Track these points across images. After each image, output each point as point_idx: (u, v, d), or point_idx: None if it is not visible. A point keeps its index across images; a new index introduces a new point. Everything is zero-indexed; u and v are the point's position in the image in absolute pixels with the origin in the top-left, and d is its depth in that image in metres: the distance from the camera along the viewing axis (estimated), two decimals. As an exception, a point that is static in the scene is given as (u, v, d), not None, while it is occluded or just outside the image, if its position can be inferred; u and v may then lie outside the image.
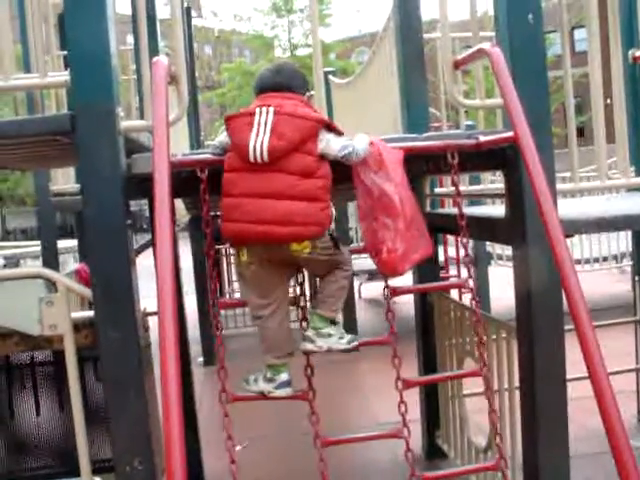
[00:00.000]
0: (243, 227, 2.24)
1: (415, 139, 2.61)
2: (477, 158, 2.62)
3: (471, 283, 2.39)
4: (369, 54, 5.67)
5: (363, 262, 8.22)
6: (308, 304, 2.54)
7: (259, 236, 2.23)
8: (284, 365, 2.40)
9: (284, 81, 2.43)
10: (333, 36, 34.42)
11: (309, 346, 2.39)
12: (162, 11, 4.96)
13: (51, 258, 6.43)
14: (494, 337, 3.13)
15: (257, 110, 2.31)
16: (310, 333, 2.36)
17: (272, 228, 2.20)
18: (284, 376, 2.39)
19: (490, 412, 2.39)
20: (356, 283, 9.02)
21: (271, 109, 2.29)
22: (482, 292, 7.71)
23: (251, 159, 2.23)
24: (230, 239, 2.34)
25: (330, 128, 2.34)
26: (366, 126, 5.53)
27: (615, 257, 9.80)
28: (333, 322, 2.43)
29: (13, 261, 10.21)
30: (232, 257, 9.96)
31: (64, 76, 2.35)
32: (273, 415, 4.34)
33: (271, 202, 2.21)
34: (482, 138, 2.49)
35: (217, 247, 9.90)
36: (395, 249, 2.22)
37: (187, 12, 7.48)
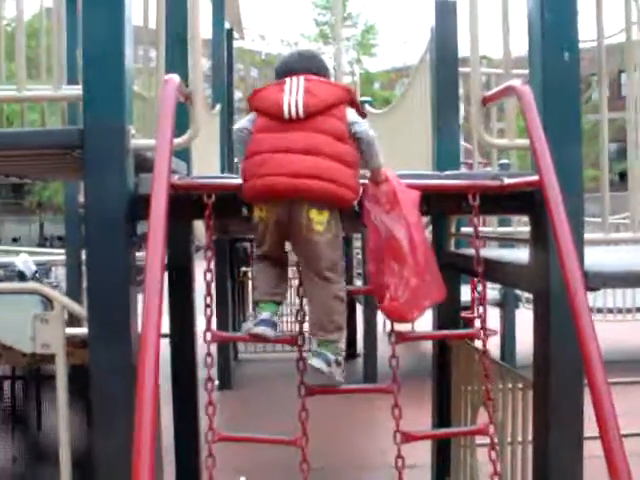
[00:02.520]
0: (271, 180, 2.13)
1: (437, 177, 2.50)
2: (502, 200, 2.49)
3: (482, 333, 2.25)
4: (405, 86, 5.61)
5: (388, 295, 8.09)
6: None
7: (289, 189, 2.12)
8: (268, 304, 2.24)
9: (310, 64, 2.42)
10: (379, 66, 34.66)
11: (316, 362, 2.17)
12: (204, 31, 4.96)
13: (74, 268, 6.47)
14: (510, 387, 2.98)
15: (287, 79, 2.30)
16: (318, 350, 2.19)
17: (304, 181, 2.11)
18: (265, 314, 2.22)
19: (492, 475, 2.23)
20: (381, 317, 8.85)
21: (301, 77, 2.30)
22: (508, 335, 7.51)
23: (286, 116, 2.20)
24: (254, 197, 2.20)
25: (353, 104, 2.32)
26: (399, 158, 5.44)
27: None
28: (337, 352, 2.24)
29: (45, 268, 10.30)
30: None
31: (77, 90, 2.30)
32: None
33: (307, 157, 2.15)
34: (507, 180, 2.36)
35: (244, 270, 9.86)
36: (397, 297, 2.09)
37: (229, 34, 7.53)
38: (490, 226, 4.47)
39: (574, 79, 2.45)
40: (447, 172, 2.53)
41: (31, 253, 11.37)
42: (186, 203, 2.33)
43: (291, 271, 2.38)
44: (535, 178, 2.14)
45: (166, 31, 3.06)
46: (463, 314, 6.22)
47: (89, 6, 2.24)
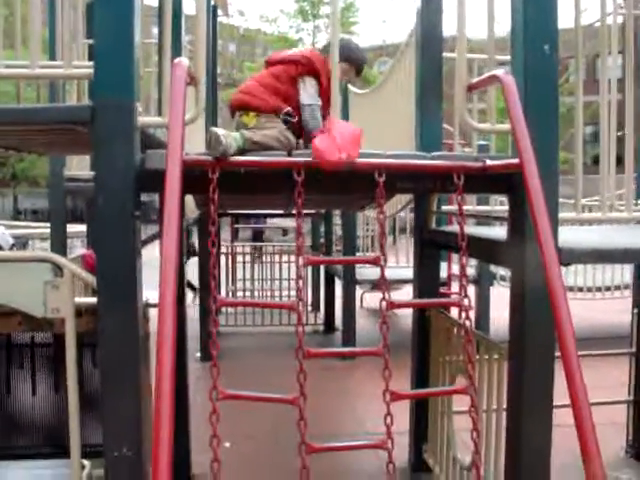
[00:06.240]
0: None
1: (423, 157, 2.66)
2: (483, 181, 2.66)
3: (466, 302, 2.43)
4: (389, 67, 5.72)
5: (366, 271, 8.27)
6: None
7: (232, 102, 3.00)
8: None
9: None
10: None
11: None
12: (188, 7, 5.04)
13: (59, 241, 6.50)
14: (486, 357, 3.17)
15: None
16: None
17: (238, 95, 2.96)
18: None
19: (472, 430, 2.43)
20: (358, 292, 9.04)
21: None
22: (482, 311, 7.75)
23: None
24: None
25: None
26: (383, 138, 5.57)
27: (627, 286, 9.78)
28: None
29: (22, 241, 10.30)
30: (237, 256, 10.01)
31: (88, 68, 2.41)
32: (266, 413, 4.38)
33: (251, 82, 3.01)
34: (489, 162, 2.53)
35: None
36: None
37: (213, 11, 7.55)
38: (469, 205, 4.66)
39: (552, 70, 2.63)
40: (433, 153, 2.69)
41: (9, 226, 11.34)
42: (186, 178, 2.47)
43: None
44: (515, 161, 2.31)
45: (160, 5, 3.15)
46: (441, 290, 6.44)
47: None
